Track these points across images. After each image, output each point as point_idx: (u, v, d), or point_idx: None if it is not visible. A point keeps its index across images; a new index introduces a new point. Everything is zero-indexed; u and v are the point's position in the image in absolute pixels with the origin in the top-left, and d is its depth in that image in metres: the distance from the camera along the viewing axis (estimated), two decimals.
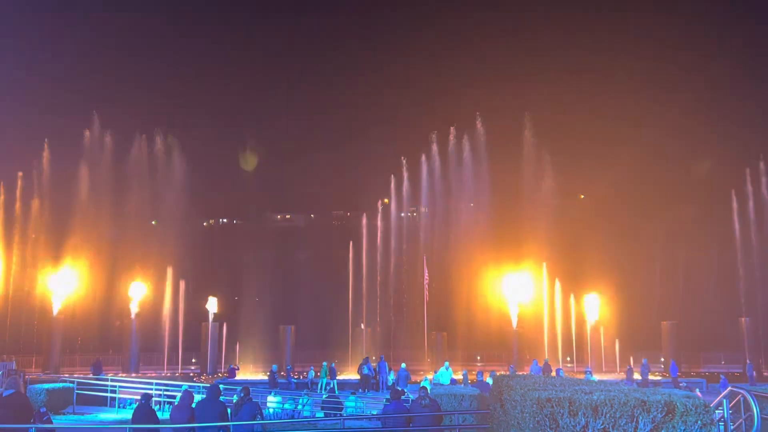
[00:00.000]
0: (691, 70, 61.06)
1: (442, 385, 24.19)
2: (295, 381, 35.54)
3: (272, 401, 24.80)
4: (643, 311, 46.41)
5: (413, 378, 32.54)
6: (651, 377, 35.94)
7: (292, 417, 23.11)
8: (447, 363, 31.03)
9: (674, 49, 63.86)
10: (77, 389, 25.01)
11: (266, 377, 34.57)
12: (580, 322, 44.32)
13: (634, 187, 49.65)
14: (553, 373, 30.70)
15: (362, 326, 44.77)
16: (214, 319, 42.99)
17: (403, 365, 32.49)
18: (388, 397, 28.01)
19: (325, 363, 36.02)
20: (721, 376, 33.75)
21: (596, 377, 29.16)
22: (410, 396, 26.82)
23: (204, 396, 13.99)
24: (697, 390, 29.89)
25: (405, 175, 47.95)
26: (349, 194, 50.23)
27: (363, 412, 23.79)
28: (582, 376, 26.39)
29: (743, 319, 42.68)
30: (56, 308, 41.90)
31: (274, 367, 35.11)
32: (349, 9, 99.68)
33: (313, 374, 35.11)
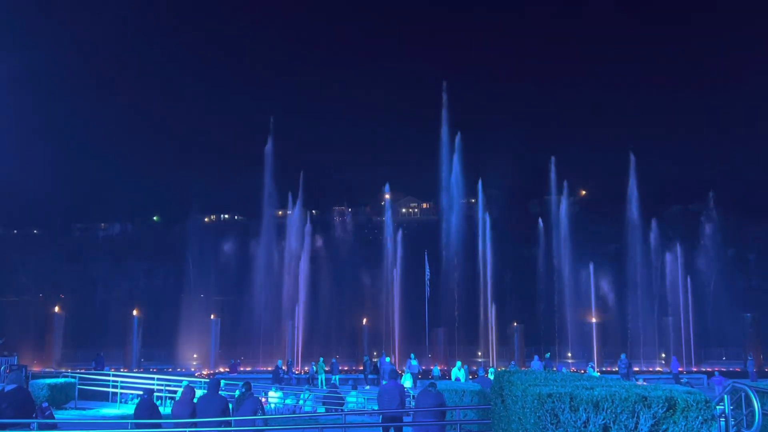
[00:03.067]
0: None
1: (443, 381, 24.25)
2: (296, 376, 35.63)
3: (273, 396, 24.86)
4: (643, 309, 46.44)
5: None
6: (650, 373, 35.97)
7: (294, 412, 23.16)
8: (459, 363, 31.00)
9: None
10: (79, 384, 25.07)
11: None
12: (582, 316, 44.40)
13: (635, 184, 49.60)
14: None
15: (363, 322, 44.85)
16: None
17: (388, 359, 32.50)
18: None
19: (322, 358, 36.13)
20: (715, 372, 33.74)
21: (597, 373, 29.18)
22: (412, 392, 26.91)
23: (205, 391, 14.03)
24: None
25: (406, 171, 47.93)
26: (349, 190, 50.23)
27: (364, 408, 23.84)
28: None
29: (744, 315, 42.67)
30: (58, 303, 41.96)
31: (279, 362, 35.20)
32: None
33: (315, 369, 35.25)
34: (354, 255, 47.75)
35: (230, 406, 12.99)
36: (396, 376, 14.63)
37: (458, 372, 29.47)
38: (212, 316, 43.39)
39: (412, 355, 35.16)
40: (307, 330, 44.32)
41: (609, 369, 38.86)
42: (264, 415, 13.70)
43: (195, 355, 47.80)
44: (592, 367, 30.71)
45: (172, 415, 12.97)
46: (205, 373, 38.27)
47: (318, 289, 46.15)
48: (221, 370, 39.31)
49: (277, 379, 32.61)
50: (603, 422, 6.80)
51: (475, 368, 33.36)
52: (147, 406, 13.47)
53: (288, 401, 24.65)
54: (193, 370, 40.89)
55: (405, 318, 45.91)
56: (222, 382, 17.38)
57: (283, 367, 35.53)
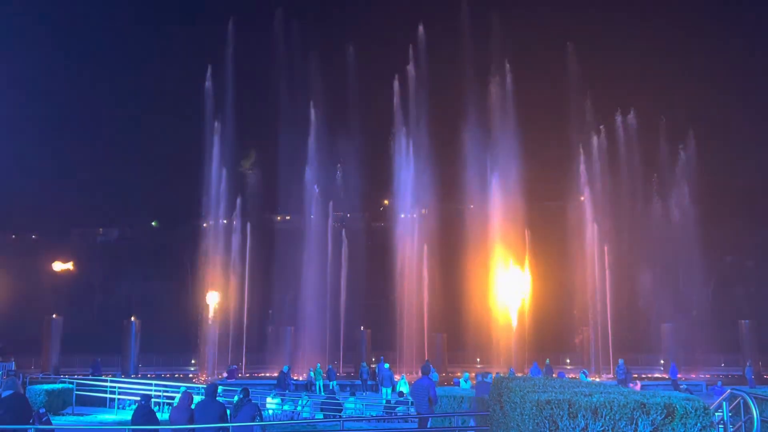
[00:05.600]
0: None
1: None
2: (294, 382, 35.53)
3: (272, 403, 24.80)
4: (642, 313, 46.41)
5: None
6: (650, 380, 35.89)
7: (292, 418, 23.11)
8: (467, 374, 30.87)
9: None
10: (77, 390, 24.98)
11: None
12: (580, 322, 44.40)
13: (632, 187, 49.73)
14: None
15: (362, 328, 44.74)
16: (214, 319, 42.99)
17: (387, 365, 32.42)
18: (388, 398, 28.13)
19: (319, 364, 36.05)
20: (718, 383, 33.67)
21: (590, 379, 29.10)
22: (409, 399, 26.84)
23: (203, 397, 13.99)
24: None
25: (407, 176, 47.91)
26: (349, 196, 50.17)
27: (362, 414, 23.80)
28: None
29: (743, 321, 42.64)
30: (56, 309, 41.88)
31: (285, 368, 35.12)
32: None
33: (312, 375, 35.17)
34: (352, 260, 47.62)
35: (228, 412, 12.96)
36: (429, 371, 15.10)
37: (464, 384, 29.29)
38: (210, 322, 43.28)
39: (427, 362, 35.00)
40: (306, 335, 44.22)
41: (608, 376, 38.83)
42: (262, 421, 13.67)
43: (193, 361, 47.68)
44: (585, 374, 30.55)
45: (170, 421, 12.93)
46: (202, 378, 38.18)
47: (317, 293, 45.99)
48: (219, 376, 39.20)
49: (283, 385, 32.49)
50: (602, 429, 6.80)
51: (473, 374, 33.29)
52: (145, 412, 13.43)
53: (286, 407, 24.59)
54: (191, 376, 40.80)
55: (404, 323, 45.83)
56: (220, 388, 17.34)
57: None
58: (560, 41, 51.98)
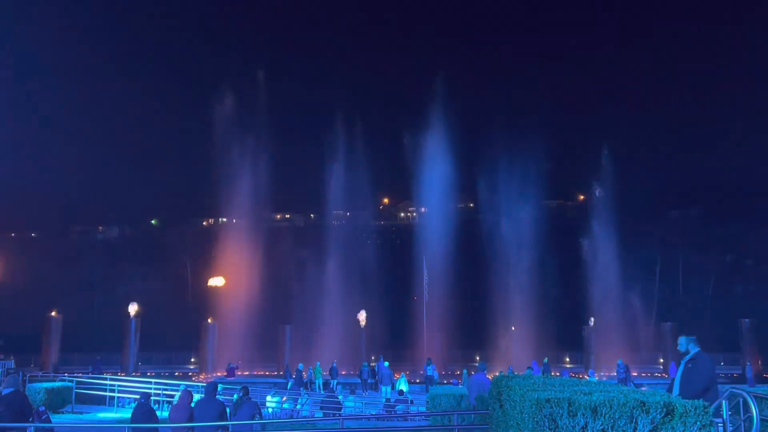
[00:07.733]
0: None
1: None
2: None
3: (271, 401, 24.82)
4: (642, 312, 46.49)
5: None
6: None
7: (291, 417, 23.14)
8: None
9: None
10: (76, 388, 25.02)
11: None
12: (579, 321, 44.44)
13: (634, 189, 49.83)
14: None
15: (361, 327, 44.73)
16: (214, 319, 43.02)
17: (386, 363, 32.48)
18: (388, 396, 28.15)
19: (318, 363, 36.13)
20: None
21: (596, 379, 29.16)
22: (409, 397, 26.86)
23: (202, 395, 14.00)
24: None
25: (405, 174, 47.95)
26: (348, 194, 50.21)
27: (362, 412, 23.83)
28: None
29: (743, 320, 42.66)
30: (54, 307, 41.83)
31: (300, 366, 35.02)
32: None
33: (312, 374, 35.22)
34: (353, 259, 47.70)
35: (228, 410, 12.97)
36: (484, 368, 15.49)
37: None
38: (209, 320, 43.34)
39: (429, 360, 35.25)
40: (305, 334, 44.26)
41: (606, 374, 38.87)
42: (262, 419, 13.68)
43: (192, 359, 47.73)
44: (592, 374, 30.65)
45: (170, 420, 12.93)
46: (202, 377, 38.21)
47: (316, 293, 46.08)
48: (218, 374, 39.24)
49: (300, 383, 32.42)
50: (601, 428, 6.79)
51: (473, 373, 33.28)
52: (144, 411, 13.44)
53: (286, 406, 24.62)
54: (190, 374, 40.81)
55: (403, 322, 45.87)
56: (219, 386, 17.35)
57: (281, 372, 35.31)
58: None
